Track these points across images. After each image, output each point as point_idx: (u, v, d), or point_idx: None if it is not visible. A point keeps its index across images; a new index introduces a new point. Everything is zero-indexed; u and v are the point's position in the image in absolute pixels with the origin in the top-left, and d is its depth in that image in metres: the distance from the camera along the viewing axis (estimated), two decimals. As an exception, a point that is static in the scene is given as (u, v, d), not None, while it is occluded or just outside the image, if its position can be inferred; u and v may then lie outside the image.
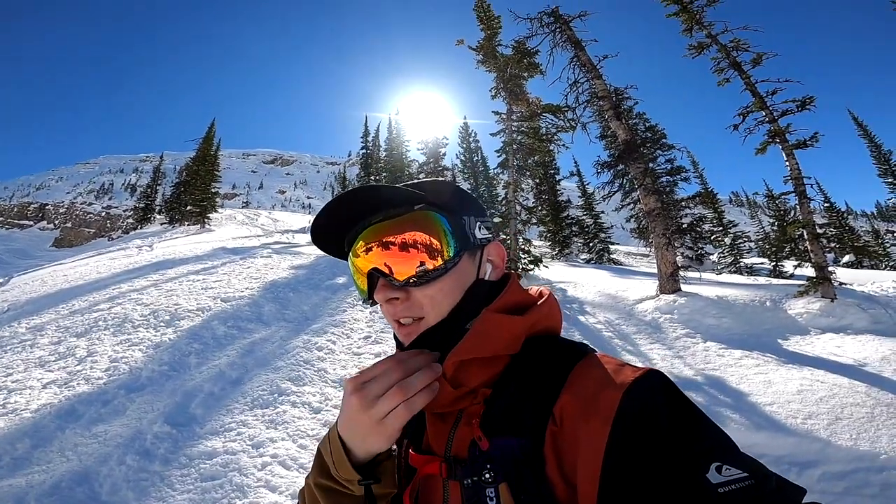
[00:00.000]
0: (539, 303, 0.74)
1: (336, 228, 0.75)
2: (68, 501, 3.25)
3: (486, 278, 0.75)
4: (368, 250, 0.71)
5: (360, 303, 8.54)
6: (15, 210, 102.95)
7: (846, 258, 21.38)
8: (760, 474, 0.48)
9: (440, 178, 0.86)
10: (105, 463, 3.75)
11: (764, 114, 9.61)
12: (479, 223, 0.76)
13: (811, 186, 9.13)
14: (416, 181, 0.75)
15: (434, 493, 0.67)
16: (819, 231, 8.94)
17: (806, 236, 8.91)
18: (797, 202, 9.14)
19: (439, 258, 0.69)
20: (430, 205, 0.72)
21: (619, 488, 0.49)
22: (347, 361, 6.02)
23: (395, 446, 0.72)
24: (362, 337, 6.90)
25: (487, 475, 0.59)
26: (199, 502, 3.34)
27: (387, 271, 0.70)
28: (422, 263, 0.69)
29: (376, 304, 0.74)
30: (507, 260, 0.78)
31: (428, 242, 0.69)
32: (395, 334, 0.75)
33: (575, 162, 30.34)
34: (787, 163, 9.20)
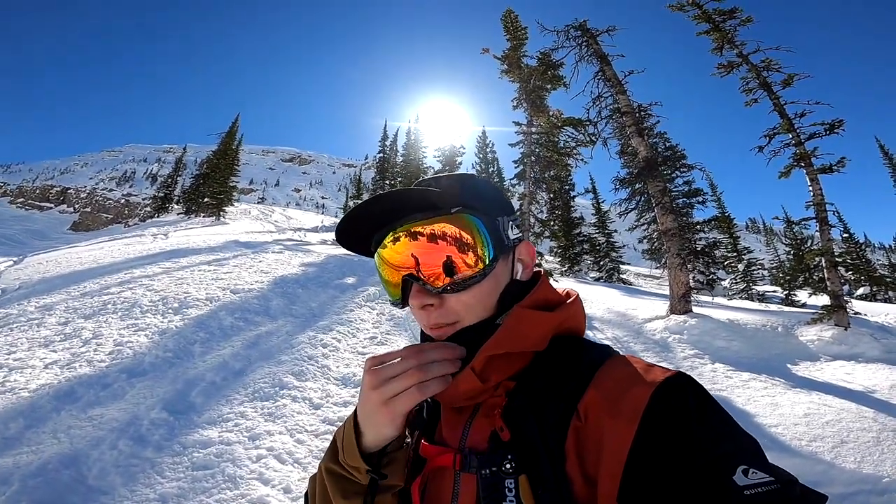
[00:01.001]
0: (568, 302, 0.73)
1: (367, 226, 0.73)
2: (53, 484, 3.19)
3: (518, 278, 0.73)
4: (402, 251, 0.70)
5: (368, 302, 8.54)
6: (37, 192, 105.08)
7: (861, 290, 20.95)
8: (785, 480, 0.47)
9: (468, 173, 0.82)
10: (97, 447, 3.69)
11: (791, 136, 9.43)
12: (510, 222, 0.74)
13: (832, 214, 8.94)
14: (446, 174, 0.75)
15: (443, 486, 0.65)
16: (837, 259, 8.75)
17: (824, 264, 8.71)
18: (817, 229, 8.95)
19: (478, 264, 0.68)
20: (467, 207, 0.69)
21: (643, 485, 0.49)
22: (351, 360, 5.97)
23: (408, 438, 0.72)
24: (368, 337, 6.86)
25: (508, 465, 0.57)
26: (188, 490, 3.27)
27: (420, 276, 0.68)
28: (457, 270, 0.67)
29: (406, 307, 0.73)
30: (535, 258, 0.77)
31: (465, 247, 0.67)
32: (422, 331, 0.75)
33: (591, 179, 30.08)
34: (811, 188, 9.02)
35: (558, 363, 0.65)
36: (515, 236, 0.74)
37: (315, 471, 0.74)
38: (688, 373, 0.57)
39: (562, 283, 14.23)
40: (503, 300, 0.70)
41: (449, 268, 0.67)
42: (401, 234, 0.69)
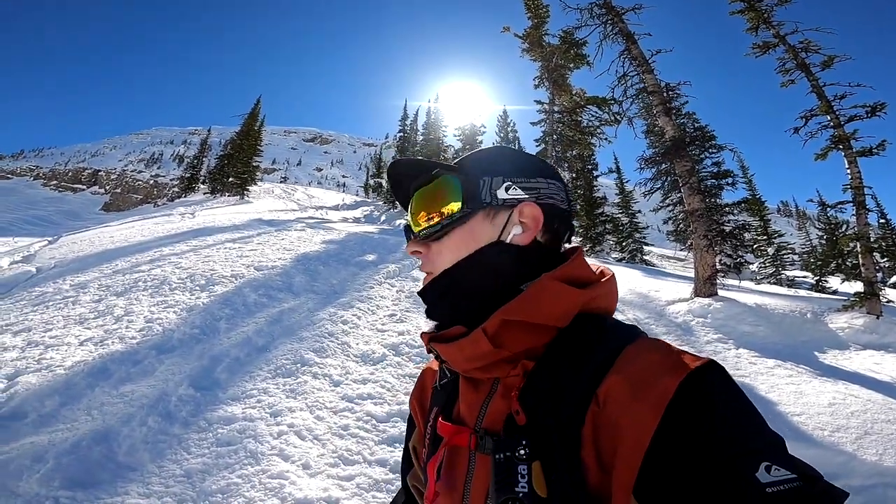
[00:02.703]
0: (602, 280, 0.71)
1: (398, 191, 0.86)
2: (84, 461, 3.28)
3: (510, 241, 0.70)
4: (410, 209, 0.80)
5: (388, 280, 8.65)
6: (70, 174, 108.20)
7: (894, 279, 20.23)
8: (808, 476, 0.47)
9: (492, 145, 0.87)
10: (127, 423, 3.79)
11: (829, 118, 9.04)
12: (507, 183, 0.72)
13: (870, 197, 8.59)
14: (477, 150, 0.81)
15: (459, 465, 0.66)
16: (873, 245, 8.43)
17: (859, 249, 8.40)
18: (854, 213, 8.61)
19: (445, 214, 0.73)
20: (448, 169, 0.75)
21: (661, 477, 0.48)
22: (371, 337, 6.03)
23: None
24: (387, 314, 6.91)
25: (522, 451, 0.56)
26: (212, 466, 3.36)
27: (410, 226, 0.79)
28: (428, 220, 0.75)
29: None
30: (543, 224, 0.72)
31: (436, 201, 0.74)
32: None
33: (615, 159, 29.34)
34: (849, 170, 8.66)
35: (580, 343, 0.62)
36: (513, 196, 0.71)
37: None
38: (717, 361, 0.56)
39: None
40: (479, 258, 0.69)
41: (421, 217, 0.75)
42: (410, 207, 0.79)
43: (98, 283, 7.80)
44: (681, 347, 0.59)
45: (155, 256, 9.66)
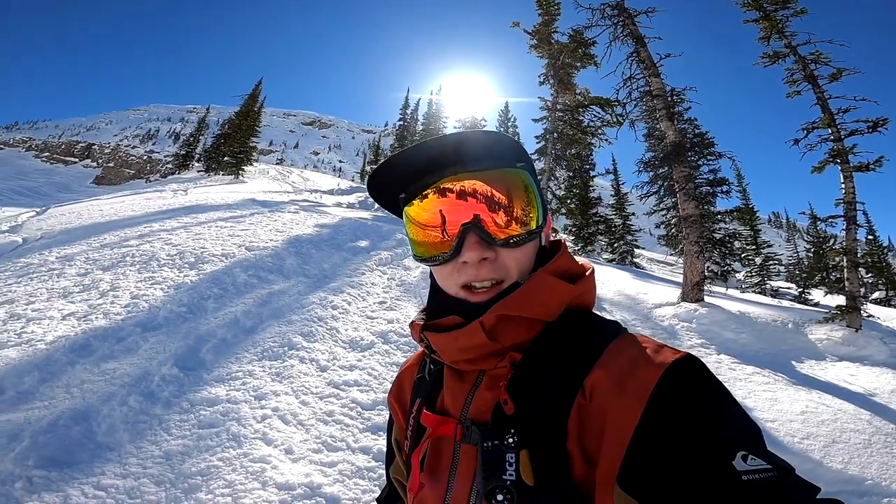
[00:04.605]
0: (586, 274, 0.71)
1: (420, 169, 0.69)
2: (63, 440, 3.22)
3: (543, 244, 0.74)
4: (463, 197, 0.67)
5: (379, 267, 8.57)
6: (63, 147, 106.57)
7: (876, 294, 20.48)
8: (782, 468, 0.48)
9: (501, 133, 0.69)
10: (108, 402, 3.73)
11: (830, 131, 9.08)
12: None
13: (861, 213, 8.67)
14: (479, 129, 0.69)
15: (443, 455, 0.66)
16: (859, 260, 8.52)
17: (845, 263, 8.50)
18: (844, 227, 8.69)
19: (531, 222, 0.68)
20: (526, 164, 0.70)
21: (644, 466, 0.49)
22: (360, 324, 6.01)
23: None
24: (377, 301, 6.89)
25: (511, 440, 0.57)
26: (193, 448, 3.33)
27: (485, 226, 0.66)
28: (519, 225, 0.67)
29: (437, 263, 0.69)
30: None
31: (527, 204, 0.68)
32: (435, 298, 0.75)
33: (613, 160, 29.28)
34: (843, 185, 8.71)
35: (567, 337, 0.64)
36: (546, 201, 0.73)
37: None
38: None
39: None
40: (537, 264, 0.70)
41: (513, 221, 0.67)
42: (465, 180, 0.67)
43: (84, 256, 7.69)
44: (664, 343, 0.61)
45: (144, 232, 9.55)
